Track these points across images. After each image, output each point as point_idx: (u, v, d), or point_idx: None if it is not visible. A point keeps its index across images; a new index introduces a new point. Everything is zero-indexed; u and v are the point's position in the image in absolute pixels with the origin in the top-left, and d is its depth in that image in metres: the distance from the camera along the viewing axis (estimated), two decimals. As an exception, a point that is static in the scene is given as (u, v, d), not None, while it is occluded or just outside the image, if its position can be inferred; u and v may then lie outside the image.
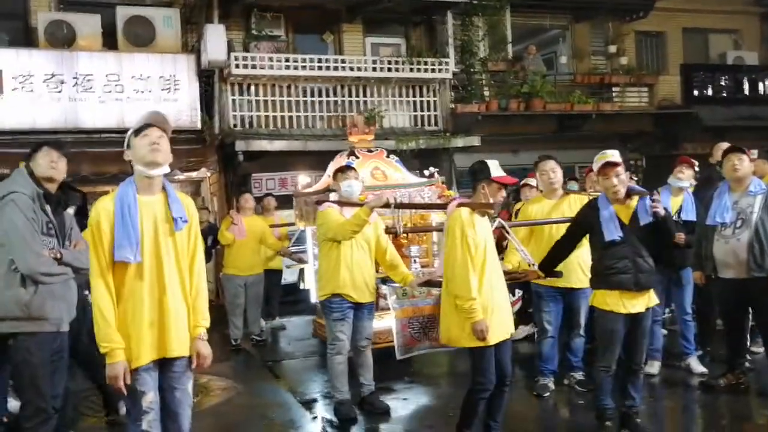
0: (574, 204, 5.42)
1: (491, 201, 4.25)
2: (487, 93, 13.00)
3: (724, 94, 15.20)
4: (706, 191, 5.70)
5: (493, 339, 4.13)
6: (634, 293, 4.51)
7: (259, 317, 8.50)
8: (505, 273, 4.61)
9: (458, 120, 12.41)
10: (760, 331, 5.78)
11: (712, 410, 5.35)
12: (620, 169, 4.52)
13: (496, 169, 4.28)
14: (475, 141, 12.04)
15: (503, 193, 4.37)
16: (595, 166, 4.60)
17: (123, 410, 5.14)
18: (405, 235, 6.10)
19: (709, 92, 15.07)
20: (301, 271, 8.29)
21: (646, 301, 4.58)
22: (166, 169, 3.25)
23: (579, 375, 5.74)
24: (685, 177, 6.03)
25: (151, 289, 3.17)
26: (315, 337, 7.88)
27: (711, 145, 6.80)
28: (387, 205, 5.20)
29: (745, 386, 5.50)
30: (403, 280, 5.37)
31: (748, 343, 6.01)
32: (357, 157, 6.81)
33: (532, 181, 7.21)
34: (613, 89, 14.28)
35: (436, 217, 6.70)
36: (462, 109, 12.38)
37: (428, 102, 12.41)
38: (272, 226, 8.53)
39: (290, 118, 11.54)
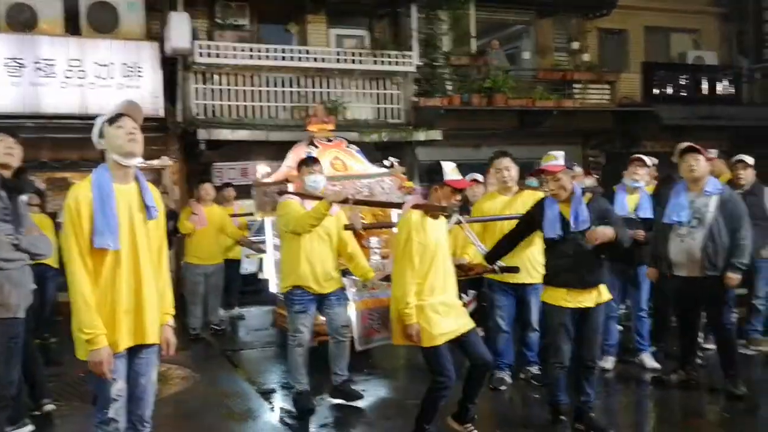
0: (527, 200, 5.45)
1: (444, 204, 4.32)
2: (450, 87, 13.03)
3: (684, 93, 15.41)
4: (667, 190, 5.78)
5: (442, 338, 4.23)
6: (580, 290, 4.61)
7: (218, 306, 8.54)
8: (458, 267, 4.69)
9: (421, 113, 12.44)
10: (711, 329, 5.93)
11: (663, 405, 5.48)
12: (560, 174, 4.59)
13: (450, 172, 4.33)
14: (437, 135, 12.08)
15: (457, 196, 4.41)
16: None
17: (47, 407, 5.17)
18: (363, 230, 6.15)
19: (669, 91, 15.28)
20: (261, 260, 8.27)
21: (595, 297, 4.65)
22: (141, 160, 3.28)
23: (535, 369, 5.84)
24: (639, 176, 6.13)
25: (128, 277, 3.19)
26: (275, 327, 7.89)
27: (670, 143, 6.90)
28: (345, 201, 5.24)
29: (696, 382, 5.63)
30: (364, 275, 5.41)
31: (701, 341, 6.16)
32: (316, 147, 6.72)
33: (479, 177, 7.14)
34: (575, 86, 14.35)
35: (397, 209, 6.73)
36: (425, 102, 12.39)
37: (391, 95, 12.41)
38: (232, 216, 8.54)
39: (253, 107, 11.47)
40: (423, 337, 4.21)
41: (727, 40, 17.24)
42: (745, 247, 5.25)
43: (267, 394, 5.88)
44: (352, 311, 5.80)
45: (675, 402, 5.49)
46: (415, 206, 4.36)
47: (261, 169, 7.12)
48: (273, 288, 7.19)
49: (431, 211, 4.31)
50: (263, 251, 7.69)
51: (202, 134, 10.66)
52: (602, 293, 4.68)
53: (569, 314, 4.64)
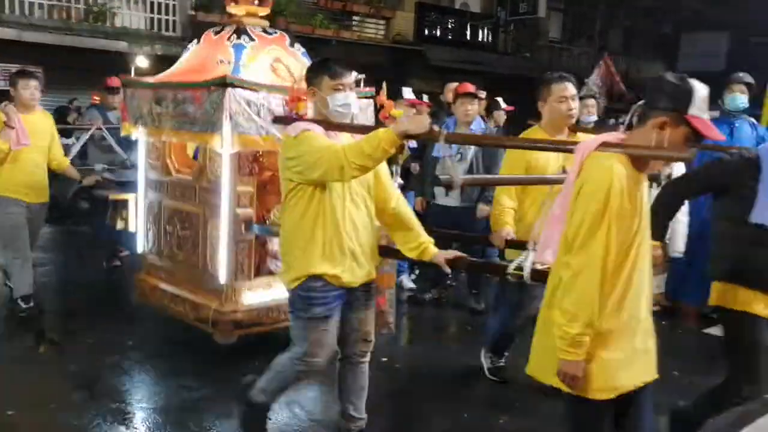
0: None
1: (679, 152, 2.30)
2: (230, 4, 12.62)
3: (450, 37, 16.48)
4: (436, 125, 6.23)
5: (611, 392, 2.40)
6: None
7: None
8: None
9: (198, 29, 11.82)
10: (462, 251, 6.56)
11: (417, 321, 5.94)
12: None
13: (701, 102, 2.26)
14: (215, 53, 11.70)
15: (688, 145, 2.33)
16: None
17: None
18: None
19: (438, 33, 16.23)
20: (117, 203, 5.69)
21: None
22: None
23: None
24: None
25: None
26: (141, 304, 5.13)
27: (436, 83, 7.40)
28: (432, 137, 2.87)
29: (446, 299, 6.30)
30: (421, 251, 3.26)
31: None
32: (252, 39, 4.57)
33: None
34: (354, 18, 14.68)
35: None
36: (203, 17, 12.02)
37: (166, 5, 11.79)
38: None
39: (2, 1, 10.23)
40: (585, 385, 2.37)
41: (489, -9, 18.51)
42: (496, 182, 5.82)
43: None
44: None
45: (428, 317, 6.04)
46: (606, 144, 2.32)
47: (140, 62, 5.74)
48: (140, 247, 5.13)
49: (662, 160, 2.47)
50: (117, 188, 5.60)
51: (-68, 25, 9.30)
52: None
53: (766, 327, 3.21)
